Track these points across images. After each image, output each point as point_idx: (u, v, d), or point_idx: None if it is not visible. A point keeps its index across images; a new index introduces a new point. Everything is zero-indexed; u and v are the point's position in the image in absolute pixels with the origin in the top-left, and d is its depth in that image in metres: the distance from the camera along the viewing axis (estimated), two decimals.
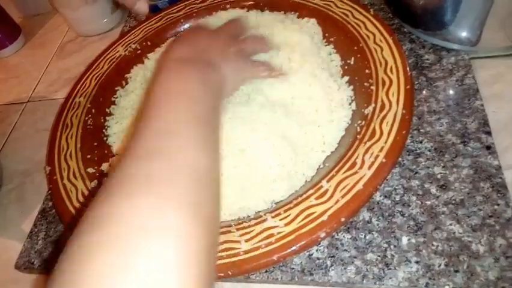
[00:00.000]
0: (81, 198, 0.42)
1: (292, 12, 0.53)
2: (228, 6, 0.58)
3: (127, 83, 0.55)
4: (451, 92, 0.43)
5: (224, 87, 0.35)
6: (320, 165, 0.39)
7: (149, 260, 0.20)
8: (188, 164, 0.25)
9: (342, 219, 0.33)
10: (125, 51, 0.57)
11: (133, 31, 0.59)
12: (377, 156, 0.35)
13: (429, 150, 0.40)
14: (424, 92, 0.44)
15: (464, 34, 0.44)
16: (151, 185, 0.23)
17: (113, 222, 0.22)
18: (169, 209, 0.22)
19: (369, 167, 0.34)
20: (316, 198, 0.34)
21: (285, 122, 0.39)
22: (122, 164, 0.25)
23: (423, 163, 0.39)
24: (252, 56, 0.43)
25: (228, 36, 0.41)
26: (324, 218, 0.33)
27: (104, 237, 0.21)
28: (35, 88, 0.68)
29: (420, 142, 0.40)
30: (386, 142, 0.35)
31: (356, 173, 0.35)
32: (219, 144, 0.30)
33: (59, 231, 0.46)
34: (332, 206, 0.33)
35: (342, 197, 0.34)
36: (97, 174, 0.44)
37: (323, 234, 0.32)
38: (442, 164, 0.39)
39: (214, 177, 0.27)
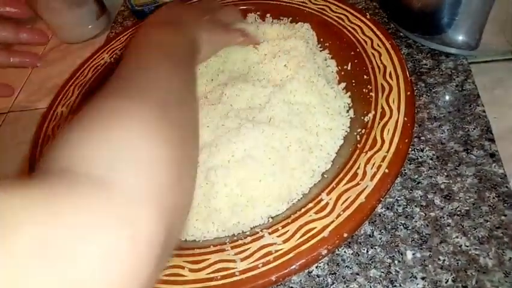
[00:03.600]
0: None
1: (286, 17, 0.51)
2: None
3: None
4: (451, 97, 0.42)
5: (198, 46, 0.38)
6: (318, 177, 0.37)
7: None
8: (158, 87, 0.28)
9: (345, 235, 0.31)
10: (110, 58, 0.55)
11: (119, 37, 0.57)
12: (379, 166, 0.33)
13: (431, 159, 0.38)
14: (423, 98, 0.42)
15: (462, 38, 0.43)
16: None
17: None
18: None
19: (372, 178, 0.33)
20: (316, 213, 0.32)
21: (280, 132, 0.37)
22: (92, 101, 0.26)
23: (425, 172, 0.37)
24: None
25: (201, 8, 0.45)
26: (325, 234, 0.31)
27: None
28: (16, 98, 0.65)
29: (422, 150, 0.39)
30: (388, 151, 0.34)
31: (357, 184, 0.33)
32: (190, 82, 0.32)
33: None
34: (333, 221, 0.31)
35: (344, 210, 0.32)
36: None
37: (324, 252, 0.30)
38: (445, 173, 0.37)
39: (186, 98, 0.30)
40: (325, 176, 0.36)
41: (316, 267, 0.34)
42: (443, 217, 0.35)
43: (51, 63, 0.69)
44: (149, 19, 0.39)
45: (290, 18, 0.51)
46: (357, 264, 0.34)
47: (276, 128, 0.37)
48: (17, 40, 0.38)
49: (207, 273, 0.31)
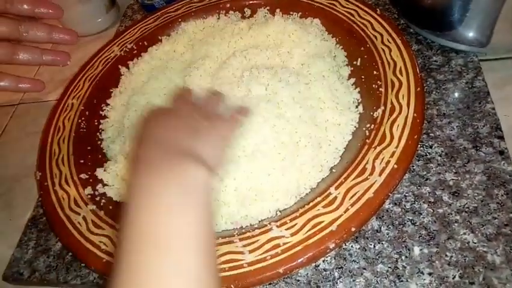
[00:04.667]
0: (73, 206, 0.39)
1: (295, 12, 0.51)
2: (228, 5, 0.56)
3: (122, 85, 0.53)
4: (461, 94, 0.42)
5: (210, 174, 0.27)
6: (327, 172, 0.37)
7: None
8: None
9: (353, 229, 0.31)
10: (120, 51, 0.55)
11: (129, 30, 0.57)
12: (388, 161, 0.33)
13: (440, 156, 0.38)
14: (433, 94, 0.42)
15: (473, 35, 0.42)
16: None
17: None
18: None
19: (380, 173, 0.33)
20: (324, 207, 0.33)
21: (290, 127, 0.37)
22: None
23: (434, 169, 0.37)
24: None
25: (187, 111, 0.35)
26: (333, 227, 0.31)
27: None
28: None
29: (431, 147, 0.39)
30: (397, 147, 0.34)
31: (366, 179, 0.33)
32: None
33: (50, 240, 0.43)
34: (341, 215, 0.31)
35: (352, 205, 0.32)
36: (91, 180, 0.42)
37: (332, 245, 0.31)
38: (454, 170, 0.37)
39: None
40: (333, 170, 0.37)
41: (323, 261, 0.35)
42: (451, 214, 0.35)
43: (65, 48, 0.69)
44: (142, 155, 0.29)
45: (300, 13, 0.51)
46: (364, 259, 0.34)
47: (286, 122, 0.37)
48: (49, 40, 0.40)
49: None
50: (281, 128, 0.37)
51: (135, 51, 0.55)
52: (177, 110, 0.36)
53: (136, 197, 0.26)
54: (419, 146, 0.38)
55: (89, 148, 0.46)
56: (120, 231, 0.24)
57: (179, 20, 0.57)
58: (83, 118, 0.49)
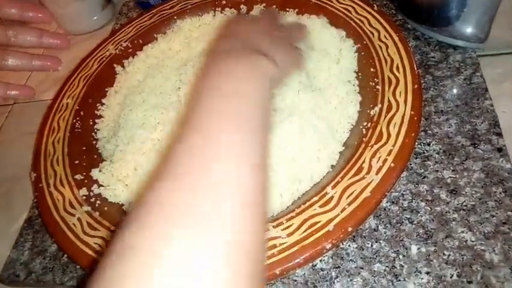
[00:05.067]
0: (68, 207, 0.39)
1: (291, 9, 0.50)
2: (224, 2, 0.55)
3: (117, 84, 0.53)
4: (459, 91, 0.41)
5: (274, 77, 0.31)
6: (324, 171, 0.37)
7: None
8: (231, 193, 0.21)
9: (350, 229, 0.30)
10: (115, 49, 0.54)
11: (124, 29, 0.57)
12: (385, 160, 0.33)
13: (437, 153, 0.38)
14: (431, 91, 0.42)
15: (471, 30, 0.42)
16: (181, 217, 0.20)
17: (142, 253, 0.19)
18: (202, 251, 0.19)
19: (377, 172, 0.32)
20: (321, 206, 0.32)
21: (283, 125, 0.37)
22: (154, 185, 0.22)
23: (431, 167, 0.37)
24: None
25: (266, 22, 0.39)
26: (330, 227, 0.31)
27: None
28: None
29: (428, 144, 0.38)
30: (394, 145, 0.33)
31: (363, 178, 0.32)
32: (267, 150, 0.26)
33: (46, 242, 0.43)
34: (338, 215, 0.31)
35: (349, 204, 0.31)
36: (86, 181, 0.42)
37: (328, 245, 0.30)
38: (452, 168, 0.37)
39: (260, 201, 0.23)
40: (330, 169, 0.36)
41: (321, 260, 0.34)
42: (449, 212, 0.34)
43: (57, 54, 0.69)
44: (218, 46, 0.33)
45: (296, 10, 0.50)
46: (361, 258, 0.34)
47: (292, 118, 0.37)
48: (39, 45, 0.39)
49: None
50: (280, 125, 0.36)
51: (130, 50, 0.55)
52: (256, 20, 0.39)
53: (206, 79, 0.28)
54: (416, 143, 0.38)
55: (84, 148, 0.46)
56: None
57: (175, 17, 0.56)
58: (78, 118, 0.48)
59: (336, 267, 0.34)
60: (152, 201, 0.21)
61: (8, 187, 0.51)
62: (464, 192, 0.35)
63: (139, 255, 0.18)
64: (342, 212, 0.31)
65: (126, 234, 0.20)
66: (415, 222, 0.34)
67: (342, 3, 0.46)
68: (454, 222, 0.34)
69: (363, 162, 0.33)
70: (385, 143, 0.34)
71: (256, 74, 0.28)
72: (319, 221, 0.31)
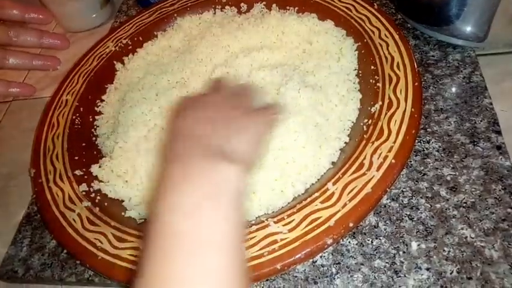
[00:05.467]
0: (68, 203, 0.39)
1: (292, 7, 0.50)
2: (224, 0, 0.55)
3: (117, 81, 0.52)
4: (458, 89, 0.42)
5: (243, 172, 0.26)
6: (326, 167, 0.37)
7: None
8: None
9: (351, 225, 0.30)
10: (115, 46, 0.54)
11: (124, 26, 0.57)
12: (386, 156, 0.33)
13: (437, 151, 0.38)
14: (430, 89, 0.42)
15: (471, 29, 0.42)
16: None
17: None
18: None
19: (378, 169, 0.32)
20: (322, 202, 0.32)
21: (291, 125, 0.37)
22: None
23: (431, 164, 0.37)
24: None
25: (227, 102, 0.33)
26: (331, 223, 0.31)
27: None
28: None
29: (428, 142, 0.39)
30: (394, 142, 0.33)
31: (363, 174, 0.33)
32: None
33: (45, 238, 0.43)
34: (339, 210, 0.31)
35: (350, 200, 0.32)
36: (85, 177, 0.41)
37: (329, 241, 0.30)
38: (451, 165, 0.37)
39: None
40: (331, 166, 0.36)
41: (321, 257, 0.34)
42: (449, 209, 0.34)
43: (56, 52, 0.69)
44: (175, 149, 0.28)
45: (296, 8, 0.50)
46: (361, 254, 0.34)
47: (293, 115, 0.37)
48: (40, 45, 0.40)
49: None
50: (282, 123, 0.36)
51: (130, 47, 0.55)
52: (211, 100, 0.33)
53: (166, 196, 0.24)
54: (416, 141, 0.38)
55: (84, 144, 0.46)
56: (147, 230, 0.24)
57: (175, 15, 0.56)
58: (77, 114, 0.48)
59: (337, 264, 0.34)
60: None
61: (7, 183, 0.51)
62: (463, 190, 0.35)
63: None
64: (343, 207, 0.31)
65: None
66: (415, 219, 0.35)
67: (342, 2, 0.46)
68: (453, 219, 0.34)
69: (364, 158, 0.34)
70: (386, 140, 0.34)
71: (218, 196, 0.24)
72: (320, 217, 0.31)
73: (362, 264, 0.33)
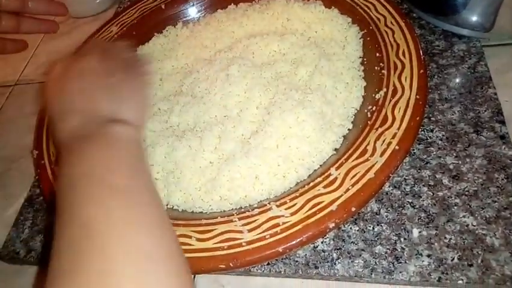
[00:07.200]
0: None
1: None
2: None
3: None
4: (463, 79, 0.42)
5: (135, 129, 0.28)
6: (329, 153, 0.37)
7: None
8: None
9: (353, 209, 0.31)
10: (119, 31, 0.54)
11: (127, 11, 0.56)
12: (390, 143, 0.33)
13: (440, 139, 0.38)
14: (435, 79, 0.42)
15: (477, 19, 0.42)
16: None
17: None
18: None
19: (381, 154, 0.32)
20: (325, 187, 0.32)
21: (295, 108, 0.37)
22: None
23: (434, 152, 0.37)
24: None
25: (97, 63, 0.32)
26: (333, 207, 0.31)
27: None
28: (23, 71, 0.65)
29: (432, 131, 0.39)
30: (398, 128, 0.33)
31: (367, 160, 0.32)
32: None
33: (46, 220, 0.43)
34: (341, 195, 0.31)
35: (353, 185, 0.32)
36: None
37: (331, 225, 0.30)
38: (454, 154, 0.37)
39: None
40: (334, 152, 0.36)
41: (322, 242, 0.34)
42: (451, 197, 0.34)
43: (59, 37, 0.68)
44: (62, 127, 0.28)
45: None
46: (362, 240, 0.34)
47: (292, 105, 0.37)
48: (47, 12, 0.50)
49: (214, 243, 0.31)
50: (286, 110, 0.36)
51: (134, 32, 0.54)
52: (86, 66, 0.32)
53: (68, 183, 0.25)
54: (420, 130, 0.38)
55: None
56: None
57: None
58: None
59: (338, 249, 0.34)
60: None
61: (9, 166, 0.51)
62: (466, 178, 0.35)
63: None
64: (345, 192, 0.31)
65: None
66: (417, 207, 0.35)
67: None
68: (455, 207, 0.34)
69: (368, 144, 0.33)
70: (390, 126, 0.34)
71: (117, 156, 0.25)
72: (322, 201, 0.31)
73: (363, 250, 0.33)
